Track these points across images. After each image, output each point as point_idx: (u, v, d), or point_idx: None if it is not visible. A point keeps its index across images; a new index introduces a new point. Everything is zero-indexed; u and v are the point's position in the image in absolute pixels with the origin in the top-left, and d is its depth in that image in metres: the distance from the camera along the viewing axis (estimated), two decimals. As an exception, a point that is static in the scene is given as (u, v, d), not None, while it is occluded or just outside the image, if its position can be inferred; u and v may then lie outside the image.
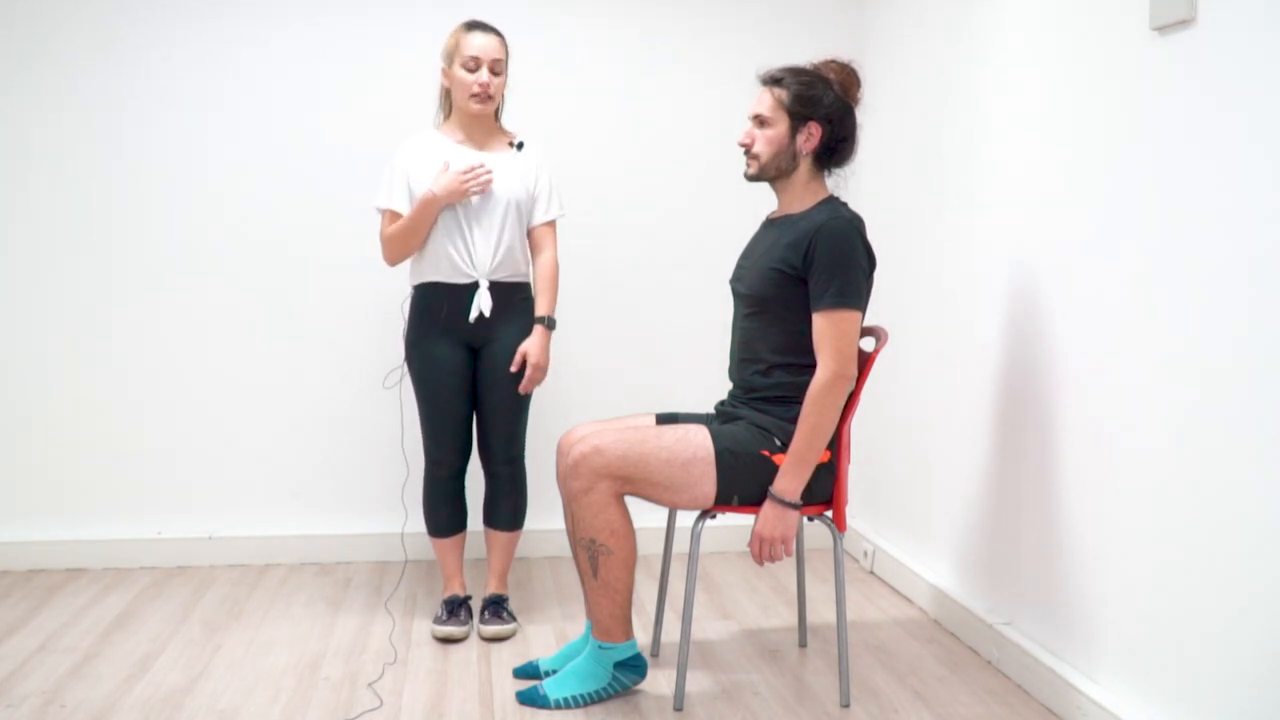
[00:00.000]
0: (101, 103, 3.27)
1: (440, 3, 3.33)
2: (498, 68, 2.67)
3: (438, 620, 2.79)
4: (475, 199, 2.69)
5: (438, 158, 2.71)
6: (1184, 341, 1.97)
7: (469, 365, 2.78)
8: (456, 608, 2.81)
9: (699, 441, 2.31)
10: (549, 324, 2.75)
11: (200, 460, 3.39)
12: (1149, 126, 2.07)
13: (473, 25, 2.69)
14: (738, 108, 3.41)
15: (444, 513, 2.84)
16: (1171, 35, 2.00)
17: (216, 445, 3.39)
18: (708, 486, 2.30)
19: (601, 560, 2.32)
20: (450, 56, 2.69)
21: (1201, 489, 1.93)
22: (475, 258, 2.71)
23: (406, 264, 2.82)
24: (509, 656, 2.66)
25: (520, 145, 2.78)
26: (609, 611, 2.35)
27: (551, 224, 2.82)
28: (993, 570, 2.70)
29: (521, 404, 2.79)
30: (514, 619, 2.81)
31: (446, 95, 2.76)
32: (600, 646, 2.37)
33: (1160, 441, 2.04)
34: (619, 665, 2.38)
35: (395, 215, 2.71)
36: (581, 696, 2.37)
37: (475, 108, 2.67)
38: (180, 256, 3.34)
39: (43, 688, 2.43)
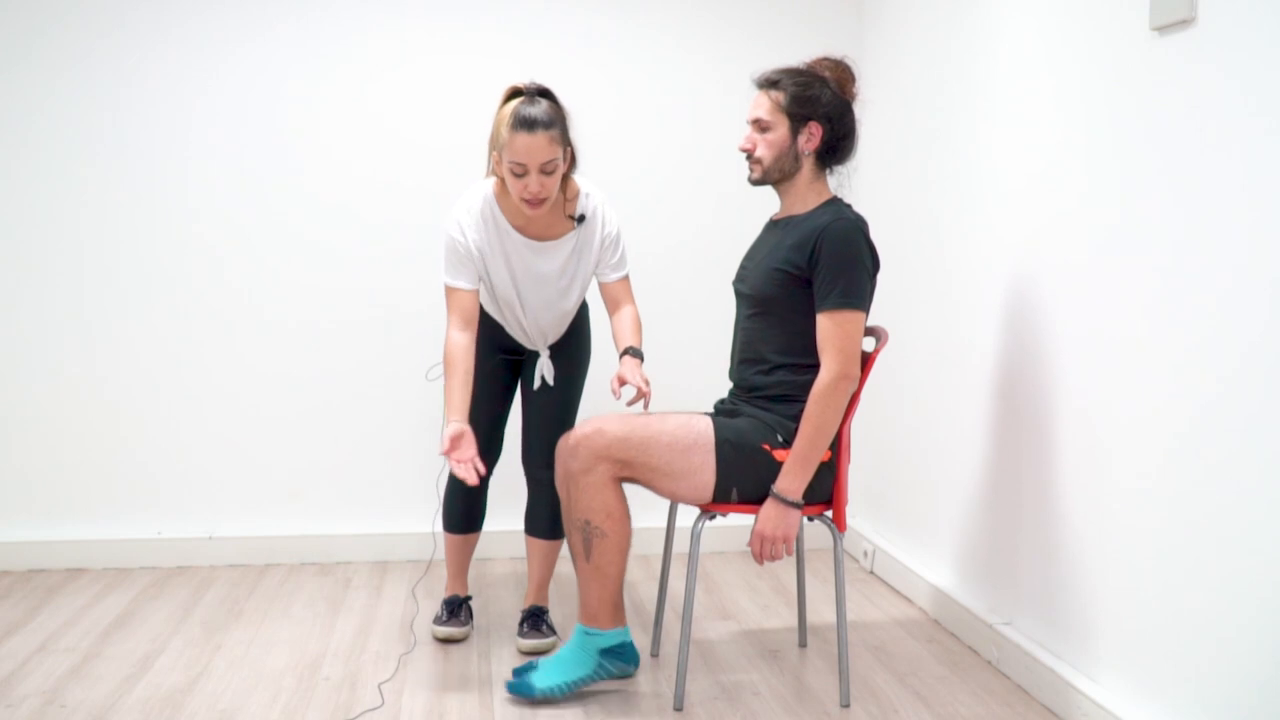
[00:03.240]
0: (100, 96, 3.27)
1: (457, 6, 3.35)
2: (549, 167, 2.39)
3: (437, 620, 2.79)
4: (535, 302, 2.60)
5: (499, 244, 2.55)
6: (1184, 342, 1.97)
7: (509, 371, 2.76)
8: (457, 608, 2.81)
9: (701, 429, 2.32)
10: (636, 354, 2.54)
11: (200, 460, 3.39)
12: (1149, 126, 2.07)
13: (519, 122, 2.35)
14: (737, 109, 3.41)
15: (460, 509, 2.80)
16: (1171, 35, 2.00)
17: (216, 445, 3.39)
18: (706, 476, 2.31)
19: (595, 543, 2.31)
20: (498, 145, 2.42)
21: (1200, 489, 1.93)
22: (532, 342, 2.69)
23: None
24: (509, 657, 2.66)
25: (582, 218, 2.58)
26: (598, 596, 2.34)
27: (624, 279, 2.65)
28: (992, 570, 2.70)
29: (568, 410, 2.74)
30: (554, 632, 2.74)
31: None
32: (585, 632, 2.36)
33: (1159, 441, 2.04)
34: (605, 652, 2.37)
35: (460, 291, 2.55)
36: (567, 685, 2.36)
37: (527, 211, 2.45)
38: (180, 256, 3.33)
39: (43, 688, 2.43)
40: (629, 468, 2.30)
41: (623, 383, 2.41)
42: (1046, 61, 2.43)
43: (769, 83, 2.39)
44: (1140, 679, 2.11)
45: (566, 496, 2.35)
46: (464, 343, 2.51)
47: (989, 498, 2.71)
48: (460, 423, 2.42)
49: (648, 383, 2.42)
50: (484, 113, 2.69)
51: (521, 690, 2.38)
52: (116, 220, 3.31)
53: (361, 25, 3.35)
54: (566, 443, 2.37)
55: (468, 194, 2.59)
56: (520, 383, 2.79)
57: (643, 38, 3.49)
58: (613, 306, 2.65)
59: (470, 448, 2.41)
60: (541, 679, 2.38)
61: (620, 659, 2.41)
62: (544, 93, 2.44)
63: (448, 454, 2.38)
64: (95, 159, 3.28)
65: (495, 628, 2.85)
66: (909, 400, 3.21)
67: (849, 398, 2.29)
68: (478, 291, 2.59)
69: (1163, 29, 2.01)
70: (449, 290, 2.55)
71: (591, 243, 2.61)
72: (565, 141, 2.44)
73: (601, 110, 3.47)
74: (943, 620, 2.90)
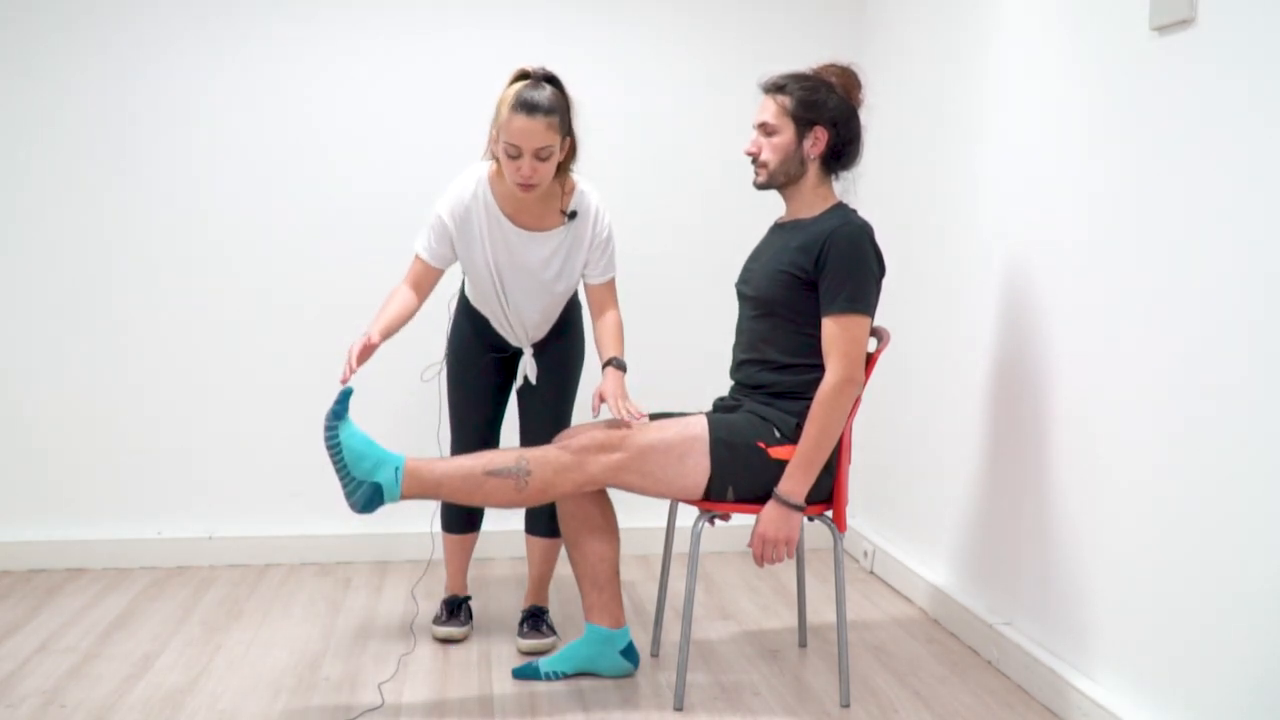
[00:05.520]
0: (108, 101, 3.27)
1: (463, 7, 3.36)
2: (544, 154, 2.37)
3: (437, 620, 2.79)
4: (518, 294, 2.60)
5: (486, 229, 2.55)
6: (1183, 342, 1.97)
7: (500, 370, 2.76)
8: (456, 608, 2.81)
9: (696, 433, 2.32)
10: (619, 365, 2.50)
11: (200, 460, 3.39)
12: (1149, 126, 2.07)
13: (519, 104, 2.34)
14: (739, 110, 3.41)
15: (459, 509, 2.79)
16: (1171, 35, 2.00)
17: (216, 445, 3.39)
18: (700, 476, 2.31)
19: (509, 481, 2.29)
20: (497, 125, 2.41)
21: (1199, 489, 1.93)
22: (516, 337, 2.69)
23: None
24: (509, 657, 2.66)
25: (573, 214, 2.56)
26: (424, 480, 2.29)
27: (609, 282, 2.64)
28: (992, 570, 2.70)
29: (561, 411, 2.74)
30: (554, 632, 2.74)
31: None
32: (395, 475, 2.28)
33: (1158, 442, 2.04)
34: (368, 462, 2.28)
35: (421, 262, 2.57)
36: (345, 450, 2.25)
37: (519, 193, 2.45)
38: (180, 255, 3.33)
39: (43, 688, 2.43)
40: (622, 473, 2.31)
41: (603, 399, 2.39)
42: (1047, 62, 2.44)
43: (775, 87, 2.40)
44: (1139, 678, 2.11)
45: (542, 449, 2.33)
46: (405, 292, 2.54)
47: (989, 498, 2.72)
48: (374, 335, 2.37)
49: (635, 413, 2.34)
50: (489, 113, 2.69)
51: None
52: (117, 221, 3.30)
53: (364, 23, 3.35)
54: (568, 438, 2.37)
55: (463, 174, 2.59)
56: (514, 382, 2.79)
57: (642, 40, 3.49)
58: (596, 310, 2.64)
59: (364, 360, 2.35)
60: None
61: (620, 655, 2.41)
62: (550, 78, 2.43)
63: (351, 351, 2.33)
64: (96, 159, 3.28)
65: (495, 628, 2.85)
66: (909, 400, 3.21)
67: (854, 402, 2.30)
68: (437, 272, 2.59)
69: (1163, 29, 2.01)
70: (414, 256, 2.58)
71: (582, 241, 2.60)
72: (565, 131, 2.43)
73: (604, 112, 3.46)
74: (942, 620, 2.90)
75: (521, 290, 2.61)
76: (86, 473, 3.35)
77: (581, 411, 2.96)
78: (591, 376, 2.95)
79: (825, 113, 2.36)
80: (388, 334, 2.44)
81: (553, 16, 3.44)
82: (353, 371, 2.30)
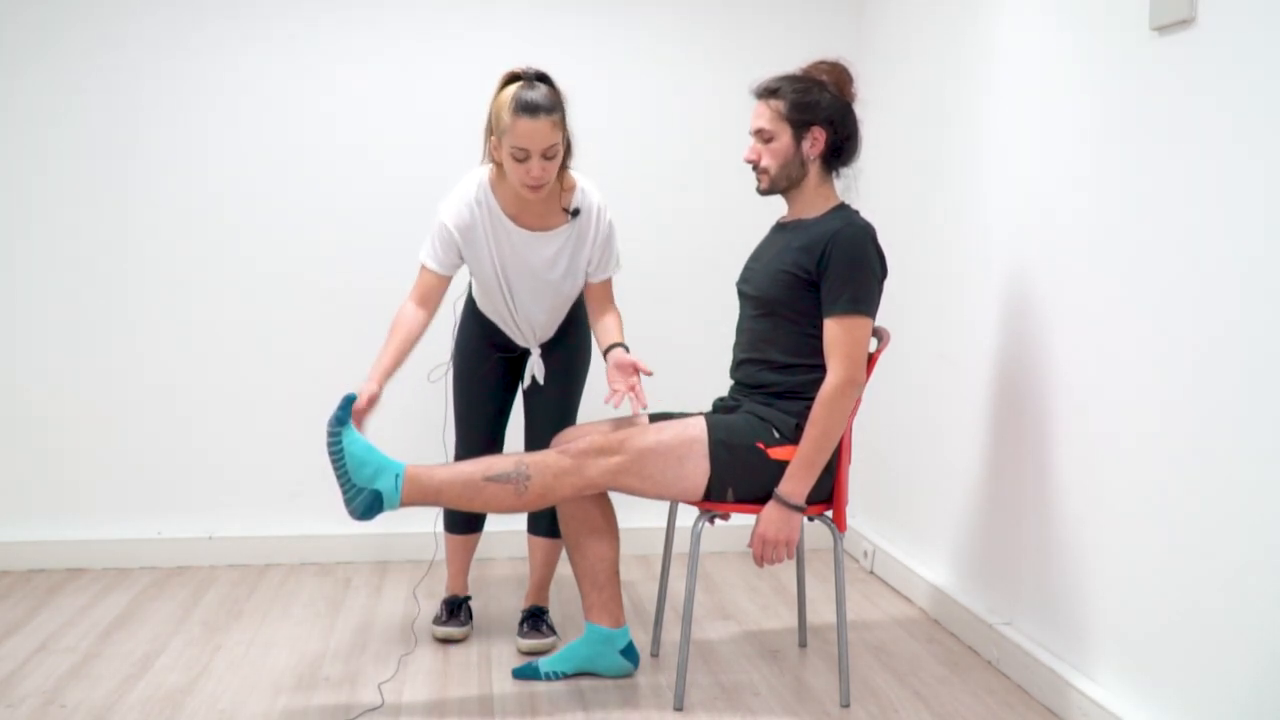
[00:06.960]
0: (111, 101, 3.26)
1: (461, 8, 3.36)
2: (551, 152, 2.38)
3: (437, 620, 2.79)
4: (525, 296, 2.60)
5: (490, 233, 2.54)
6: (1183, 342, 1.97)
7: (506, 370, 2.76)
8: (456, 608, 2.81)
9: (695, 435, 2.32)
10: (624, 350, 2.51)
11: (200, 460, 3.39)
12: (1149, 126, 2.07)
13: (521, 107, 2.33)
14: (737, 109, 3.41)
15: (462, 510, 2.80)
16: (1171, 35, 2.00)
17: (216, 445, 3.39)
18: (699, 479, 2.31)
19: (508, 487, 2.28)
20: (498, 131, 2.40)
21: (1199, 488, 1.93)
22: (524, 338, 2.69)
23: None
24: (509, 657, 2.66)
25: (576, 212, 2.56)
26: (424, 487, 2.28)
27: (607, 281, 2.64)
28: (992, 570, 2.70)
29: (567, 410, 2.74)
30: (554, 632, 2.74)
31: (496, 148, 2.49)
32: (396, 484, 2.28)
33: (1159, 441, 2.04)
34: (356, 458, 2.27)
35: (430, 272, 2.55)
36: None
37: (528, 195, 2.44)
38: (180, 257, 3.33)
39: (43, 688, 2.43)
40: (622, 476, 2.31)
41: (614, 391, 2.36)
42: (1047, 61, 2.44)
43: (768, 91, 2.39)
44: (1139, 679, 2.11)
45: (541, 454, 2.32)
46: (412, 312, 2.52)
47: (989, 498, 2.72)
48: (375, 384, 2.36)
49: (644, 373, 2.35)
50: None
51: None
52: (115, 221, 3.30)
53: (364, 29, 3.35)
54: (566, 441, 2.37)
55: (463, 180, 2.58)
56: (520, 382, 2.79)
57: (642, 37, 3.49)
58: (596, 306, 2.64)
59: (365, 413, 2.35)
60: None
61: (620, 655, 2.42)
62: (542, 77, 2.42)
63: (358, 408, 2.31)
64: (97, 159, 3.28)
65: (495, 628, 2.85)
66: (909, 400, 3.21)
67: (855, 403, 2.30)
68: (446, 280, 2.57)
69: (1163, 29, 2.02)
70: (420, 267, 2.56)
71: (586, 238, 2.59)
72: (565, 127, 2.43)
73: (601, 111, 3.47)
74: (943, 620, 2.90)
75: (528, 291, 2.61)
76: (86, 473, 3.35)
77: (587, 412, 2.96)
78: (595, 377, 2.95)
79: (820, 112, 2.36)
80: (390, 374, 2.43)
81: (558, 18, 3.44)
82: (360, 427, 2.30)
